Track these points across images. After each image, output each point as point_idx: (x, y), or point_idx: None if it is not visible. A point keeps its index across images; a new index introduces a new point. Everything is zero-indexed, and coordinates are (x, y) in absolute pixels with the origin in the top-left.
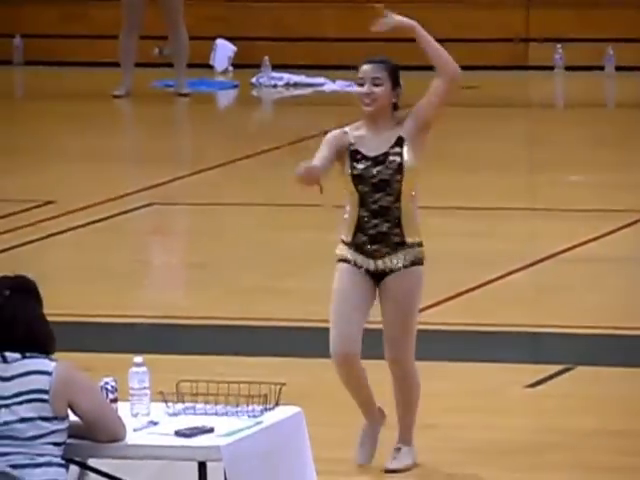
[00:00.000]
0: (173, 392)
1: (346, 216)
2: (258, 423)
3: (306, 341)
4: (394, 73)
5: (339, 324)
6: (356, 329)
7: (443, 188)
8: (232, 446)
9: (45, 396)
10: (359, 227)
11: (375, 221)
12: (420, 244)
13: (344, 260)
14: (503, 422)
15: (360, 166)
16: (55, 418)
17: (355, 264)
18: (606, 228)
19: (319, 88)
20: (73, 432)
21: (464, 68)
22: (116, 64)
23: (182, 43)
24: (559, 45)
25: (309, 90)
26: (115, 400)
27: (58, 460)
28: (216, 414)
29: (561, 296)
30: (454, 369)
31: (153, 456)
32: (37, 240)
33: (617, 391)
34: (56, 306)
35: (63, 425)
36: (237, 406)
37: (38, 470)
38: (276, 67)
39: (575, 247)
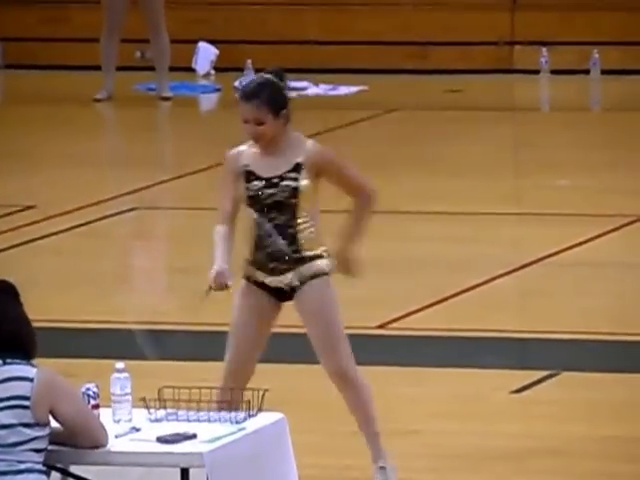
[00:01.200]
0: (155, 398)
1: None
2: (241, 429)
3: (289, 347)
4: (272, 102)
5: (231, 354)
6: (244, 362)
7: (428, 193)
8: (215, 452)
9: (26, 402)
10: (257, 245)
11: (270, 240)
12: (321, 256)
13: (247, 278)
14: (489, 428)
15: (254, 187)
16: (36, 424)
17: (256, 282)
18: (593, 232)
19: (302, 92)
20: (54, 439)
21: (449, 72)
22: (97, 67)
23: (164, 46)
24: (544, 48)
25: (292, 94)
26: (97, 406)
27: (39, 467)
28: (198, 420)
29: (547, 301)
30: (439, 375)
31: (135, 463)
32: (18, 245)
33: (604, 396)
34: (37, 311)
35: (44, 432)
36: (220, 412)
37: (19, 477)
38: (259, 70)
39: (561, 252)
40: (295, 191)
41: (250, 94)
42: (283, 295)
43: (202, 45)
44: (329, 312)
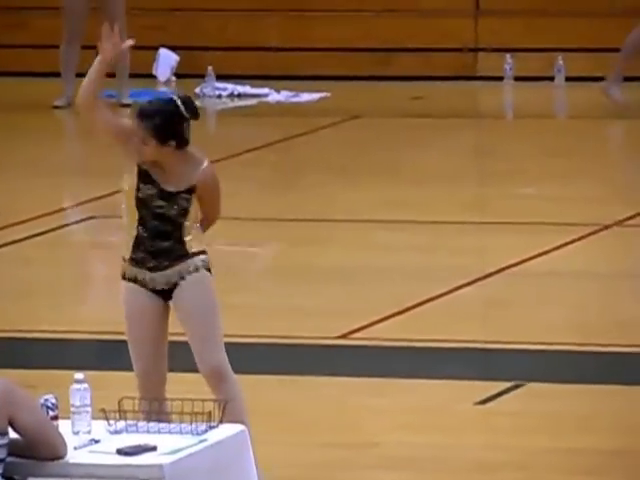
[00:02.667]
0: (115, 410)
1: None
2: (202, 441)
3: (250, 358)
4: (160, 130)
5: (136, 358)
6: (152, 364)
7: (390, 201)
8: (175, 464)
9: None
10: (138, 244)
11: (152, 242)
12: (203, 252)
13: (127, 278)
14: (452, 440)
15: (147, 191)
16: None
17: (136, 280)
18: (557, 242)
19: (264, 99)
20: (12, 449)
21: (412, 78)
22: (57, 74)
23: (124, 52)
24: (508, 55)
25: (254, 101)
26: (56, 418)
27: None
28: (159, 432)
29: (511, 311)
30: (401, 386)
31: (95, 475)
32: None
33: (568, 408)
34: None
35: (2, 441)
36: (180, 424)
37: None
38: (220, 77)
39: (525, 261)
40: (184, 212)
41: (143, 114)
42: (166, 293)
43: (163, 51)
44: (206, 310)
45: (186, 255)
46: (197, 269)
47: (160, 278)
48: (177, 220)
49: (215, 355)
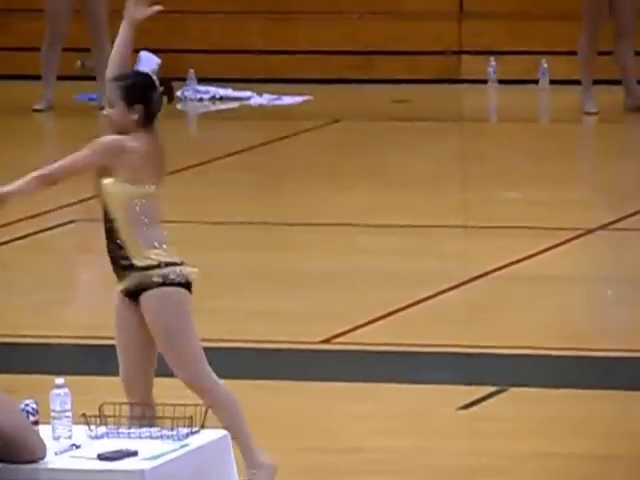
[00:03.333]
0: (96, 415)
1: None
2: (183, 446)
3: (232, 362)
4: (128, 90)
5: (122, 363)
6: (138, 370)
7: (373, 205)
8: (156, 470)
9: None
10: (108, 249)
11: (108, 243)
12: (153, 267)
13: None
14: (435, 445)
15: (105, 186)
16: None
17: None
18: (541, 246)
19: (246, 102)
20: None
21: (395, 82)
22: (36, 77)
23: (106, 56)
24: (492, 58)
25: (236, 104)
26: (36, 423)
27: None
28: (140, 437)
29: (495, 315)
30: (384, 390)
31: None
32: None
33: (552, 413)
34: None
35: None
36: (162, 429)
37: None
38: (202, 80)
39: (509, 265)
40: (110, 196)
41: (118, 77)
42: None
43: (144, 54)
44: (164, 326)
45: (132, 267)
46: (141, 286)
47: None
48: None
49: (184, 376)
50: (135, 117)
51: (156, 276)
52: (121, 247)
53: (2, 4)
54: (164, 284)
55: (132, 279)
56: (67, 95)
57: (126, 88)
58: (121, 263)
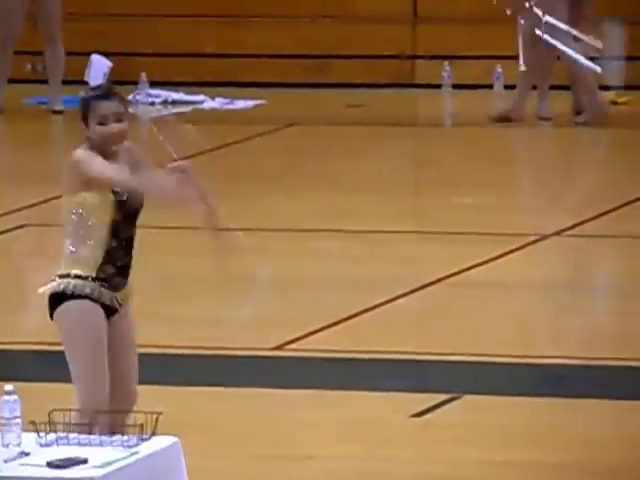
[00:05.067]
0: (45, 422)
1: (72, 249)
2: (134, 453)
3: (182, 369)
4: (125, 101)
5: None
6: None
7: (326, 210)
8: (107, 477)
9: None
10: (108, 259)
11: (122, 252)
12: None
13: (84, 296)
14: (387, 453)
15: (122, 193)
16: None
17: (97, 300)
18: (495, 252)
19: (199, 106)
20: None
21: (349, 86)
22: None
23: (59, 58)
24: (446, 62)
25: (188, 108)
26: None
27: None
28: (90, 444)
29: (449, 322)
30: (337, 398)
31: None
32: None
33: (505, 421)
34: None
35: None
36: (112, 436)
37: None
38: (154, 84)
39: (462, 272)
40: (142, 201)
41: (111, 91)
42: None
43: (95, 57)
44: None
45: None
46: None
47: (114, 298)
48: (138, 213)
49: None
50: None
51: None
52: (131, 256)
53: None
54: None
55: (125, 291)
56: (17, 98)
57: (124, 101)
58: (128, 273)
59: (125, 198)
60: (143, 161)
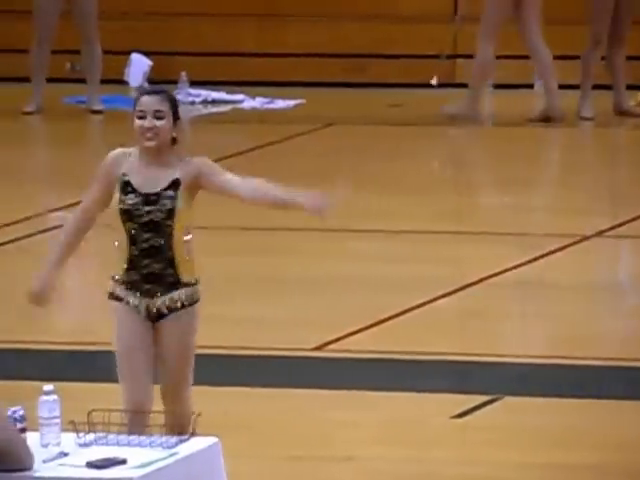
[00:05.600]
0: (85, 422)
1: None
2: (173, 454)
3: (222, 369)
4: (175, 105)
5: (129, 381)
6: (145, 383)
7: (366, 210)
8: (145, 478)
9: None
10: (131, 265)
11: (146, 261)
12: (195, 283)
13: (116, 298)
14: (426, 454)
15: (130, 201)
16: None
17: (128, 303)
18: (536, 253)
19: (238, 105)
20: None
21: (389, 85)
22: (26, 79)
23: (96, 57)
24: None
25: (228, 107)
26: (24, 430)
27: None
28: (129, 445)
29: (489, 323)
30: (377, 399)
31: None
32: None
33: (545, 422)
34: None
35: None
36: (151, 436)
37: None
38: (194, 83)
39: (504, 272)
40: (172, 212)
41: (156, 90)
42: (155, 319)
43: (135, 56)
44: (190, 347)
45: (179, 283)
46: (189, 302)
47: (150, 304)
48: (165, 225)
49: (182, 401)
50: (175, 133)
51: (197, 292)
52: (170, 265)
53: None
54: (196, 302)
55: (179, 294)
56: (56, 97)
57: (171, 101)
58: (165, 280)
59: (128, 208)
60: (216, 172)
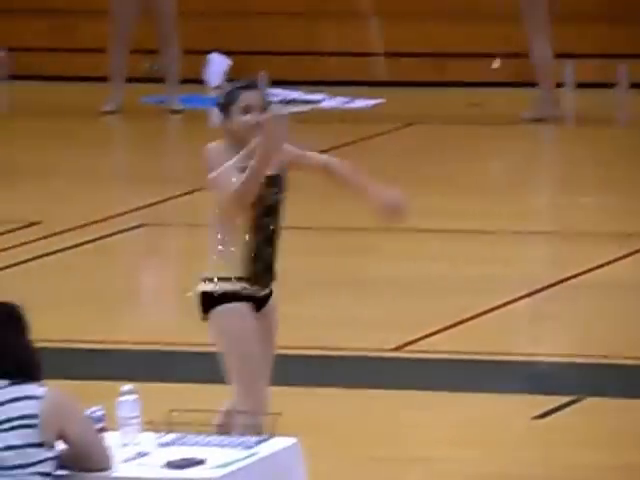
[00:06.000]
0: (164, 422)
1: (220, 247)
2: (253, 454)
3: (301, 369)
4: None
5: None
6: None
7: (445, 210)
8: (225, 478)
9: (34, 421)
10: (257, 256)
11: (268, 248)
12: None
13: (240, 298)
14: (507, 455)
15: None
16: (43, 445)
17: (248, 299)
18: (617, 253)
19: (317, 105)
20: (57, 461)
21: (468, 84)
22: (104, 79)
23: (174, 57)
24: (569, 61)
25: (307, 107)
26: (103, 429)
27: None
28: (208, 445)
29: (568, 324)
30: (457, 399)
31: None
32: (22, 263)
33: (627, 423)
34: (42, 331)
35: (51, 453)
36: (230, 437)
37: None
38: (273, 83)
39: (585, 272)
40: (285, 195)
41: (254, 83)
42: (259, 305)
43: (214, 56)
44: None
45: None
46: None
47: (262, 293)
48: (280, 206)
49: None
50: None
51: None
52: (275, 252)
53: (68, 5)
54: None
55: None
56: (136, 97)
57: (266, 95)
58: (274, 269)
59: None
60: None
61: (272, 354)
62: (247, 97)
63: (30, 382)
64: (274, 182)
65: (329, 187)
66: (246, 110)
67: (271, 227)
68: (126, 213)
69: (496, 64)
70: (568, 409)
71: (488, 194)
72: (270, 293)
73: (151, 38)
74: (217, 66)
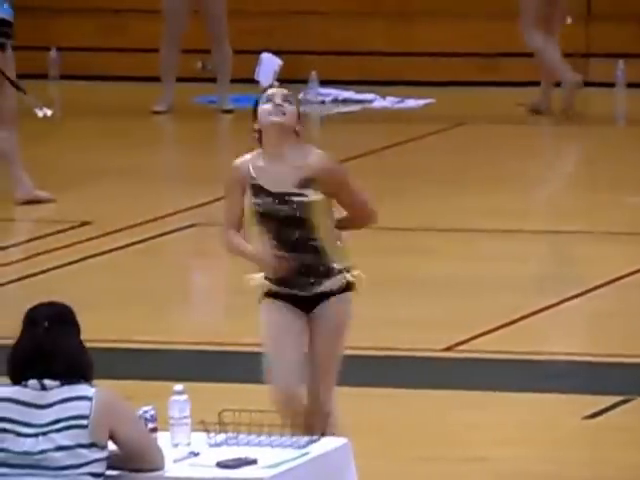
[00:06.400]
0: (215, 422)
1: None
2: (304, 454)
3: (353, 369)
4: (299, 102)
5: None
6: (295, 366)
7: (497, 210)
8: (277, 478)
9: (85, 421)
10: (286, 259)
11: (294, 254)
12: (348, 269)
13: (272, 295)
14: (558, 455)
15: (263, 202)
16: (94, 445)
17: (282, 297)
18: None
19: (368, 105)
20: (110, 462)
21: (519, 84)
22: (156, 79)
23: (225, 57)
24: (621, 61)
25: (358, 107)
26: (154, 430)
27: None
28: (260, 445)
29: (621, 323)
30: (507, 399)
31: None
32: (73, 262)
33: None
34: (93, 331)
35: (102, 454)
36: (281, 437)
37: None
38: (324, 82)
39: (635, 272)
40: (308, 206)
41: (282, 84)
42: (309, 309)
43: (265, 56)
44: (342, 333)
45: (332, 271)
46: (341, 288)
47: (304, 293)
48: (302, 219)
49: (324, 386)
50: (298, 127)
51: (348, 278)
52: (319, 254)
53: (119, 5)
54: (349, 289)
55: (332, 282)
56: (187, 97)
57: (298, 99)
58: (317, 270)
59: (264, 210)
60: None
61: (319, 356)
62: (271, 90)
63: (81, 383)
64: (283, 200)
65: (380, 187)
66: (269, 99)
67: (295, 237)
68: (177, 213)
69: (569, 20)
70: (619, 409)
71: (539, 193)
72: (321, 295)
73: (202, 38)
74: (268, 66)
